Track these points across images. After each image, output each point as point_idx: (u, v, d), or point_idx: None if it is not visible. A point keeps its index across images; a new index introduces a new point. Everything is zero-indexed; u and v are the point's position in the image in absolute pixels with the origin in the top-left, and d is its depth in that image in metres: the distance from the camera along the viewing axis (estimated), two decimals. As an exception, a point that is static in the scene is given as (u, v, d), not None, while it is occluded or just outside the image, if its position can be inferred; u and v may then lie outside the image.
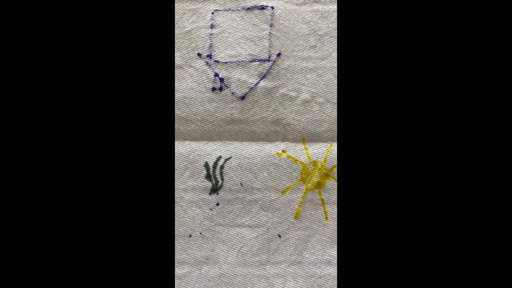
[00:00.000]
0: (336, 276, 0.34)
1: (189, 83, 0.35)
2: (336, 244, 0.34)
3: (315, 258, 0.34)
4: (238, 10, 0.37)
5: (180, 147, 0.35)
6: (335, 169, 0.35)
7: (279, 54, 0.36)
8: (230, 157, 0.35)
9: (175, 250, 0.34)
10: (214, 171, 0.35)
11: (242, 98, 0.35)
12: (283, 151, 0.35)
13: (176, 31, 0.36)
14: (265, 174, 0.35)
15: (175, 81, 0.36)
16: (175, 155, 0.35)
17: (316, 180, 0.35)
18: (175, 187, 0.35)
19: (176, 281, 0.34)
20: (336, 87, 0.36)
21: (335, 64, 0.36)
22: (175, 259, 0.34)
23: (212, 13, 0.37)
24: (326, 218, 0.34)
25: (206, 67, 0.36)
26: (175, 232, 0.35)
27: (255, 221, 0.35)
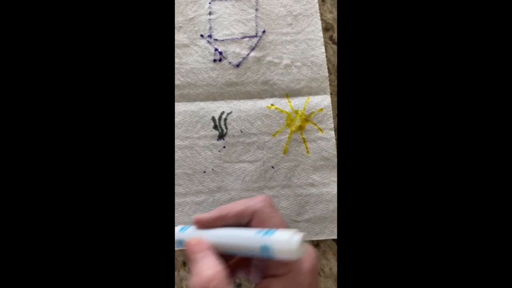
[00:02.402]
0: (318, 194, 0.40)
1: (195, 57, 0.43)
2: (319, 171, 0.40)
3: (300, 182, 0.40)
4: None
5: (192, 106, 0.42)
6: (313, 115, 0.42)
7: (264, 31, 0.44)
8: (231, 112, 0.42)
9: (193, 183, 0.40)
10: (219, 123, 0.42)
11: (237, 66, 0.43)
12: (272, 105, 0.42)
13: (182, 18, 0.44)
14: (259, 123, 0.42)
15: (184, 57, 0.43)
16: (190, 113, 0.42)
17: (298, 124, 0.42)
18: (190, 136, 0.41)
19: (195, 206, 0.40)
20: (310, 53, 0.44)
21: (309, 36, 0.44)
22: (194, 190, 0.40)
23: (209, 3, 0.45)
24: (307, 152, 0.41)
25: (208, 44, 0.44)
26: (193, 170, 0.41)
27: (254, 157, 0.41)
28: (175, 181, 0.41)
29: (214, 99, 0.43)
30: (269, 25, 0.45)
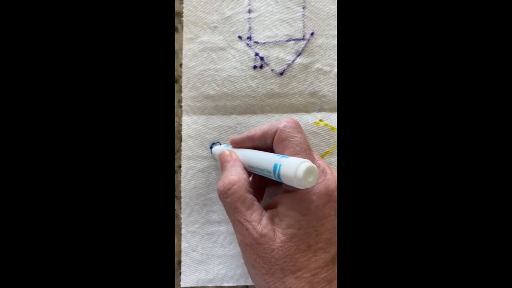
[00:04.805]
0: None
1: (232, 63, 0.38)
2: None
3: (353, 213, 0.36)
4: (272, -5, 0.39)
5: (228, 121, 0.37)
6: (368, 134, 0.37)
7: (312, 33, 0.38)
8: (273, 128, 0.38)
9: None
10: (259, 140, 0.38)
11: (281, 74, 0.37)
12: (321, 120, 0.37)
13: (217, 17, 0.39)
14: (305, 141, 0.37)
15: (220, 62, 0.38)
16: (226, 128, 0.37)
17: (351, 144, 0.37)
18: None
19: (224, 235, 0.37)
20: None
21: (364, 40, 0.39)
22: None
23: (249, -1, 0.39)
24: (362, 177, 0.37)
25: (247, 47, 0.38)
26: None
27: (299, 182, 0.37)
28: (211, 208, 0.36)
29: (253, 112, 0.38)
30: (319, 26, 0.38)
